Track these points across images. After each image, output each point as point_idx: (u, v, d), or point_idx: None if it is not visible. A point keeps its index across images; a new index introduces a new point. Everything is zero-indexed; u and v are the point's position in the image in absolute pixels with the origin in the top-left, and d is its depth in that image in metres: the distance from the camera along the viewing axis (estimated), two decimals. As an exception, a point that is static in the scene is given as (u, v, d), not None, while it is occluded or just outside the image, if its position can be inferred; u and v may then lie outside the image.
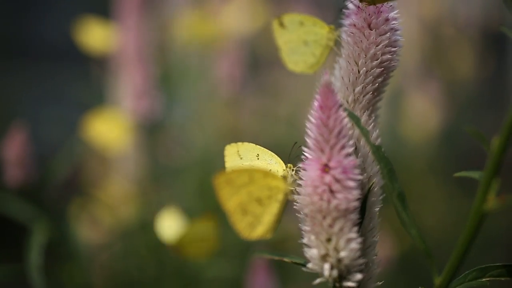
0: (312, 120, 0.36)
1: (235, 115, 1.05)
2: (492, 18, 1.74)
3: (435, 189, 1.42)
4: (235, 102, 1.07)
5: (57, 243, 0.61)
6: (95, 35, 0.69)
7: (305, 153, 0.36)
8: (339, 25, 0.42)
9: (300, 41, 0.44)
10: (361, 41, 0.39)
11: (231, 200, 0.39)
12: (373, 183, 0.39)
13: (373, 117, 0.40)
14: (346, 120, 0.35)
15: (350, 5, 0.40)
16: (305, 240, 0.37)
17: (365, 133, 0.37)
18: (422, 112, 1.40)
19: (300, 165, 0.37)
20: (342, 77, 0.40)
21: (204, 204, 0.75)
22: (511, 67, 2.18)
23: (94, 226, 1.05)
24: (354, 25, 0.39)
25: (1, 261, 0.60)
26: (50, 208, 0.63)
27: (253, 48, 1.58)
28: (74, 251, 0.61)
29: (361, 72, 0.39)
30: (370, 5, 0.39)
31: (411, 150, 1.41)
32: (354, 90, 0.40)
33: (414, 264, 1.28)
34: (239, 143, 0.41)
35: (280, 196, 0.39)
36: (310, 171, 0.35)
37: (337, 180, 0.35)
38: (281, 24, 0.45)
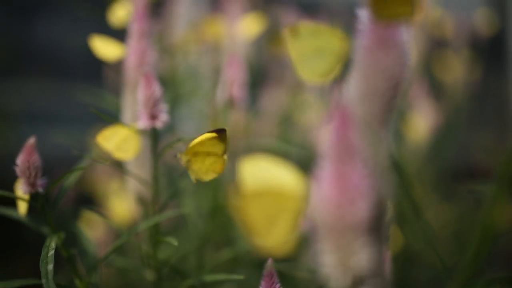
0: (327, 136, 0.36)
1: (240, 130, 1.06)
2: (490, 28, 1.74)
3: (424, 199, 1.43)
4: (239, 120, 1.08)
5: (69, 253, 0.61)
6: (106, 50, 0.69)
7: (319, 168, 0.37)
8: (352, 38, 0.42)
9: (313, 50, 0.44)
10: (373, 60, 0.40)
11: (246, 213, 0.39)
12: (386, 196, 0.40)
13: (387, 131, 0.41)
14: (362, 135, 0.36)
15: (362, 23, 0.40)
16: (316, 251, 0.37)
17: (380, 147, 0.37)
18: (415, 124, 1.41)
19: (315, 179, 0.37)
20: (357, 93, 0.41)
21: (215, 215, 0.75)
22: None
23: (103, 235, 1.05)
24: (367, 44, 0.40)
25: (15, 277, 0.60)
26: (61, 219, 0.63)
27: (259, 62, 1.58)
28: (85, 260, 0.61)
29: (374, 89, 0.40)
30: (383, 22, 0.39)
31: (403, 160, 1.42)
32: (368, 106, 0.40)
33: (403, 271, 1.28)
34: (254, 155, 0.41)
35: (297, 211, 0.39)
36: (325, 185, 0.36)
37: (352, 194, 0.35)
38: (294, 32, 0.44)
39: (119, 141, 0.61)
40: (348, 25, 0.43)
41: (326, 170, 0.36)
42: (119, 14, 0.78)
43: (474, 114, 1.66)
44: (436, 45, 1.63)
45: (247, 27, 1.13)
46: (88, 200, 1.44)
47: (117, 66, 0.71)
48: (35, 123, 2.04)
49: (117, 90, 0.79)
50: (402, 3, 0.38)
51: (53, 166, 1.20)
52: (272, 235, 0.39)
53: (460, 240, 1.34)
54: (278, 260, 0.51)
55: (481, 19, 1.75)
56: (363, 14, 0.40)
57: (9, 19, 2.31)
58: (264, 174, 0.41)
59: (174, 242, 0.60)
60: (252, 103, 1.48)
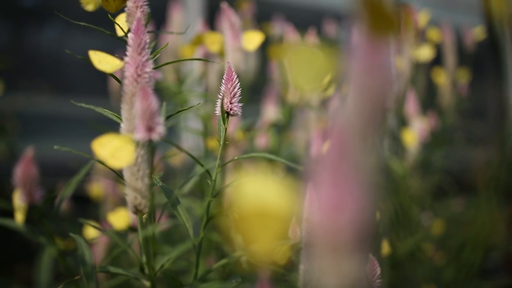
0: (326, 146, 0.36)
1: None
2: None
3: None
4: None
5: (67, 262, 0.61)
6: (104, 63, 0.69)
7: (317, 176, 0.37)
8: (343, 55, 0.43)
9: (307, 66, 0.45)
10: (364, 78, 0.40)
11: (239, 225, 0.39)
12: (377, 204, 0.40)
13: (380, 142, 0.41)
14: (357, 147, 0.36)
15: (353, 40, 0.41)
16: (309, 257, 0.37)
17: (375, 162, 0.37)
18: (408, 137, 1.41)
19: (309, 199, 0.37)
20: (352, 107, 0.41)
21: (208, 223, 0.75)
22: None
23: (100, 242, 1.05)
24: (358, 62, 0.40)
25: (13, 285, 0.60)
26: (59, 227, 0.63)
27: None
28: (82, 268, 0.61)
29: (367, 105, 0.40)
30: (375, 36, 0.39)
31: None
32: (363, 120, 0.40)
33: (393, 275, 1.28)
34: (250, 175, 0.41)
35: (283, 226, 0.39)
36: (322, 193, 0.36)
37: (347, 202, 0.35)
38: (290, 50, 0.45)
39: (113, 149, 0.61)
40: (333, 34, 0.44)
41: (323, 179, 0.36)
42: (121, 26, 0.78)
43: (472, 128, 1.66)
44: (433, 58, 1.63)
45: (244, 42, 1.14)
46: (90, 201, 1.44)
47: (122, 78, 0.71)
48: (36, 133, 2.04)
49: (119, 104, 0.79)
50: (389, 19, 0.39)
51: (60, 173, 1.20)
52: (263, 244, 0.39)
53: (447, 244, 1.34)
54: (275, 270, 0.51)
55: (474, 32, 1.76)
56: (355, 32, 0.41)
57: (15, 31, 2.31)
58: (255, 192, 0.41)
59: (171, 253, 0.60)
60: (255, 116, 1.49)
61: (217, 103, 0.69)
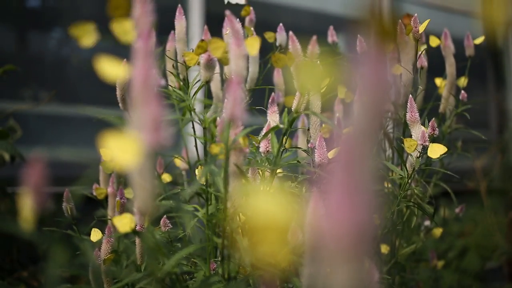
0: (332, 163, 0.37)
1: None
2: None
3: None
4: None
5: (74, 265, 0.62)
6: (111, 70, 0.70)
7: (326, 184, 0.37)
8: (347, 63, 0.44)
9: (311, 73, 0.46)
10: (372, 87, 0.41)
11: (245, 233, 0.39)
12: (383, 214, 0.40)
13: (383, 149, 0.42)
14: (365, 158, 0.37)
15: (358, 49, 0.41)
16: (316, 268, 0.38)
17: (379, 168, 0.38)
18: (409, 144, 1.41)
19: (314, 204, 0.38)
20: (359, 116, 0.42)
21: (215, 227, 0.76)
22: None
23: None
24: (365, 71, 0.41)
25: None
26: (65, 229, 0.64)
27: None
28: (90, 273, 0.62)
29: (373, 113, 0.41)
30: (382, 46, 0.40)
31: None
32: (369, 128, 0.41)
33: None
34: (256, 186, 0.42)
35: (284, 233, 0.40)
36: (332, 199, 0.36)
37: (355, 219, 0.36)
38: (295, 57, 0.46)
39: (121, 145, 0.61)
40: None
41: (330, 185, 0.37)
42: (126, 32, 0.79)
43: (472, 134, 1.66)
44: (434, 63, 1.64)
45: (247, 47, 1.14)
46: (96, 202, 1.45)
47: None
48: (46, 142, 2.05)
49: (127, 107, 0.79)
50: (391, 29, 0.39)
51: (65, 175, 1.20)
52: (267, 248, 0.39)
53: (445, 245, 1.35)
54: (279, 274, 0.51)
55: (475, 39, 1.76)
56: (359, 40, 0.42)
57: (20, 36, 2.32)
58: (259, 197, 0.41)
59: (175, 256, 0.61)
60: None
61: (222, 109, 0.70)
